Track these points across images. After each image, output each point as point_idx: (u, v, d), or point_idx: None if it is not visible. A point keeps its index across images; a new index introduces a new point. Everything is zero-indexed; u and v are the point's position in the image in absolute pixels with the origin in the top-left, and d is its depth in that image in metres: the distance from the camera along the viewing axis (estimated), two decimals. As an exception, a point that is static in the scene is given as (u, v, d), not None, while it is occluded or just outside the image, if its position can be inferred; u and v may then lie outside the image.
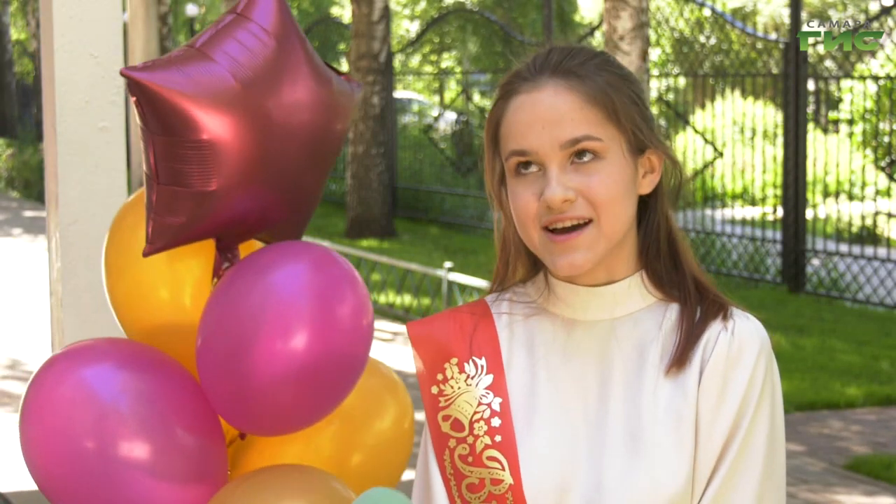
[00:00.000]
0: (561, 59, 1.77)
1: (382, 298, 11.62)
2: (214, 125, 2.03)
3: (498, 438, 1.78)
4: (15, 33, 37.13)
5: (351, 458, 2.25)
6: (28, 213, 20.09)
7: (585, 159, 1.73)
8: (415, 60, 28.00)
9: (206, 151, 2.04)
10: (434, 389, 1.85)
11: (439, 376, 1.85)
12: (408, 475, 7.27)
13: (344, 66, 24.08)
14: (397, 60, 19.69)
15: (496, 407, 1.80)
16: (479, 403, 1.81)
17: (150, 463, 2.06)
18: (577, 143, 1.72)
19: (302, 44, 2.12)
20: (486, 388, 1.82)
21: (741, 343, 1.76)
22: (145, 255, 2.14)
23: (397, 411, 2.29)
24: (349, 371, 2.13)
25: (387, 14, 16.64)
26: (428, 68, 28.41)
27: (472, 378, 1.83)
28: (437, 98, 26.52)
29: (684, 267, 1.82)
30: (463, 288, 10.05)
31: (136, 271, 2.23)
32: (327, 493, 2.11)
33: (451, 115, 19.74)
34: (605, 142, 1.73)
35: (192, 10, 25.53)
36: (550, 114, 1.73)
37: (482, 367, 1.83)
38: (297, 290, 2.08)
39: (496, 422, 1.79)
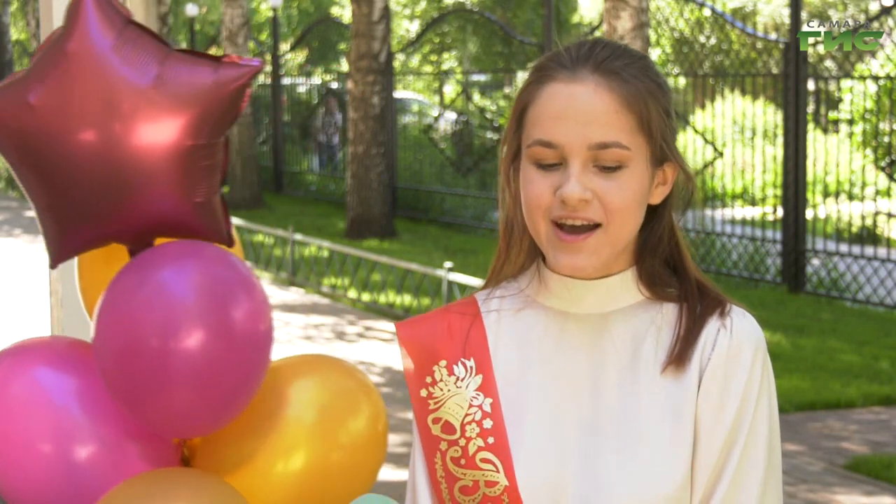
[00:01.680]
0: (606, 56, 1.73)
1: (382, 298, 11.62)
2: (15, 148, 2.08)
3: (491, 440, 1.77)
4: (15, 33, 37.13)
5: (330, 456, 2.24)
6: (28, 214, 20.09)
7: (609, 165, 1.71)
8: (415, 60, 28.00)
9: (22, 172, 2.11)
10: (423, 392, 1.83)
11: (428, 379, 1.83)
12: (393, 475, 7.22)
13: (344, 66, 24.10)
14: (397, 60, 19.69)
15: (487, 408, 1.79)
16: (470, 405, 1.80)
17: (101, 461, 2.07)
18: (605, 147, 1.70)
19: (133, 56, 2.07)
20: (476, 390, 1.80)
21: (740, 342, 1.76)
22: (51, 267, 2.20)
23: (371, 413, 2.29)
24: (246, 376, 2.10)
25: (387, 14, 16.65)
26: (428, 68, 28.41)
27: (462, 380, 1.82)
28: (437, 98, 26.51)
29: (688, 271, 1.82)
30: (463, 288, 10.04)
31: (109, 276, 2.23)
32: (216, 499, 2.10)
33: (451, 115, 19.73)
34: (632, 151, 1.72)
35: (192, 10, 25.52)
36: (586, 111, 1.71)
37: (471, 368, 1.82)
38: (185, 290, 2.06)
39: (488, 423, 1.78)
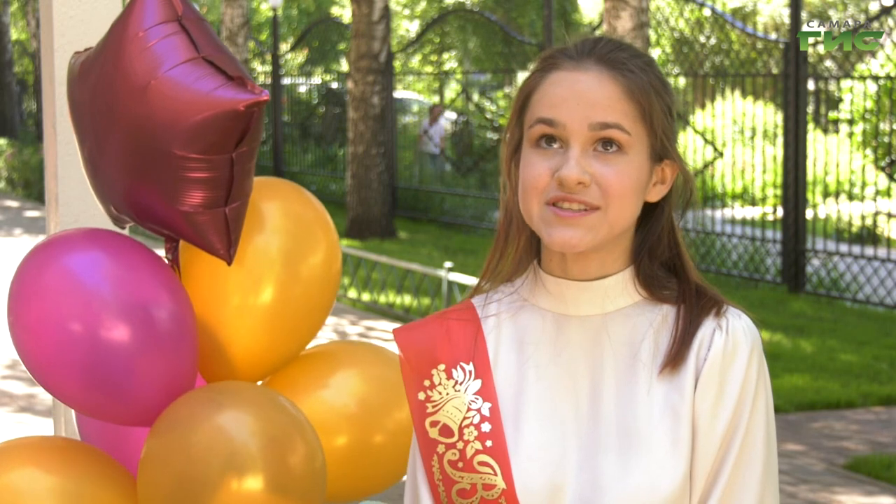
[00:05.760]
0: (610, 50, 1.76)
1: (382, 298, 11.62)
2: (79, 116, 2.26)
3: (489, 444, 1.77)
4: (15, 33, 37.14)
5: (373, 439, 2.37)
6: (29, 214, 20.09)
7: (610, 150, 1.72)
8: (415, 60, 28.00)
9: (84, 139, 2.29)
10: (421, 395, 1.83)
11: (426, 382, 1.84)
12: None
13: (344, 66, 24.12)
14: (397, 60, 19.69)
15: (486, 412, 1.79)
16: (469, 409, 1.80)
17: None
18: (606, 127, 1.71)
19: (146, 51, 2.11)
20: (475, 394, 1.80)
21: (735, 341, 1.76)
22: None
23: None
24: (167, 375, 2.13)
25: (387, 14, 16.65)
26: (428, 68, 28.41)
27: (461, 384, 1.82)
28: (437, 98, 26.51)
29: (689, 275, 1.82)
30: (463, 288, 10.05)
31: None
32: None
33: (451, 115, 19.73)
34: (633, 137, 1.73)
35: (192, 10, 25.49)
36: (589, 94, 1.72)
37: (470, 372, 1.82)
38: (100, 278, 2.11)
39: (486, 427, 1.78)
